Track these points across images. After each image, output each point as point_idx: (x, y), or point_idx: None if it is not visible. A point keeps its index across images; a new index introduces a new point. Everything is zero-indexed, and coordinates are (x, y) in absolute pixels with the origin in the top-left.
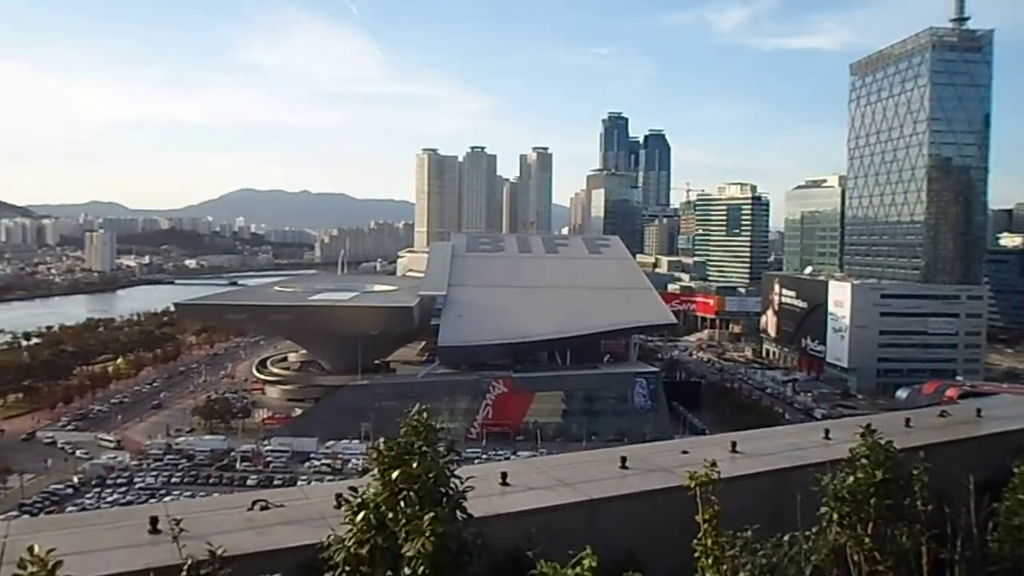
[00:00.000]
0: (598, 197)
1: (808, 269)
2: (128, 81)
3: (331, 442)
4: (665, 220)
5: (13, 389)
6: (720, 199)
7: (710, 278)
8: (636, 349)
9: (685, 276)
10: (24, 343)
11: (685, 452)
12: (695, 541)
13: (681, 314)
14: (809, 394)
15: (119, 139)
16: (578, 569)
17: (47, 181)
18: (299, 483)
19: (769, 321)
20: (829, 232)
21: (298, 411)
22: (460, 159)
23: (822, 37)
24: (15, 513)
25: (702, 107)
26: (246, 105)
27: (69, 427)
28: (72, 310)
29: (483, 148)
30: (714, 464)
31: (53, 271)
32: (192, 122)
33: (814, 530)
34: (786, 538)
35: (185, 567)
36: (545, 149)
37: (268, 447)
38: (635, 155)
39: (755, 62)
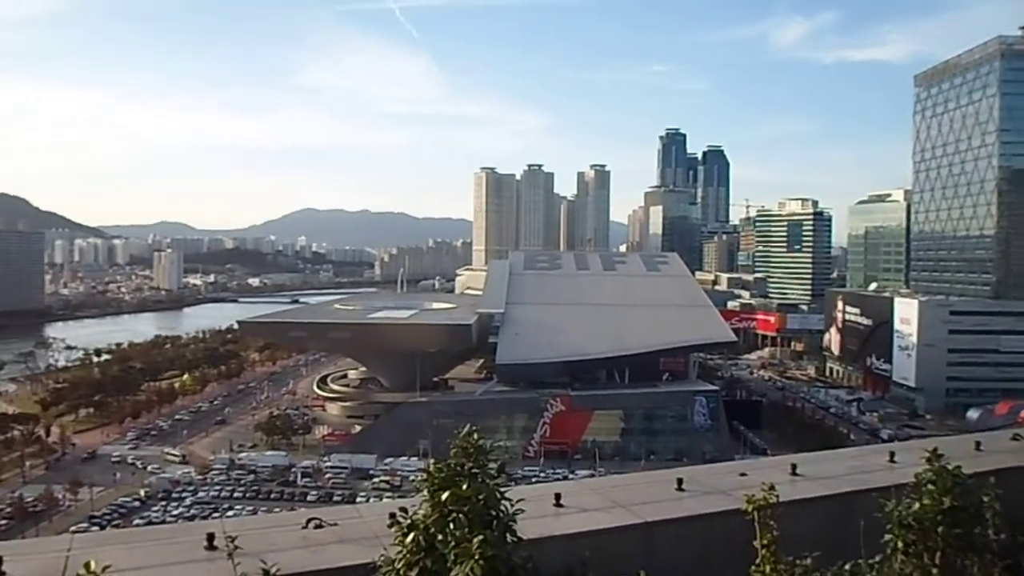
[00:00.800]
0: (656, 214)
1: (873, 286)
2: (196, 106)
3: (390, 459)
4: (724, 237)
5: (84, 404)
6: (780, 215)
7: (771, 295)
8: (696, 367)
9: (745, 293)
10: (95, 359)
11: (743, 474)
12: (753, 568)
13: (741, 332)
14: (875, 414)
15: (186, 162)
16: None
17: (118, 203)
18: (358, 499)
19: (832, 339)
20: (894, 247)
21: (357, 428)
22: (518, 177)
23: (886, 48)
24: (85, 525)
25: (761, 122)
26: (307, 127)
27: (137, 442)
28: (141, 327)
29: (540, 166)
30: (772, 487)
31: (123, 290)
32: (256, 144)
33: (878, 559)
34: (848, 567)
35: None
36: (602, 166)
37: (328, 463)
38: (693, 171)
39: (816, 75)
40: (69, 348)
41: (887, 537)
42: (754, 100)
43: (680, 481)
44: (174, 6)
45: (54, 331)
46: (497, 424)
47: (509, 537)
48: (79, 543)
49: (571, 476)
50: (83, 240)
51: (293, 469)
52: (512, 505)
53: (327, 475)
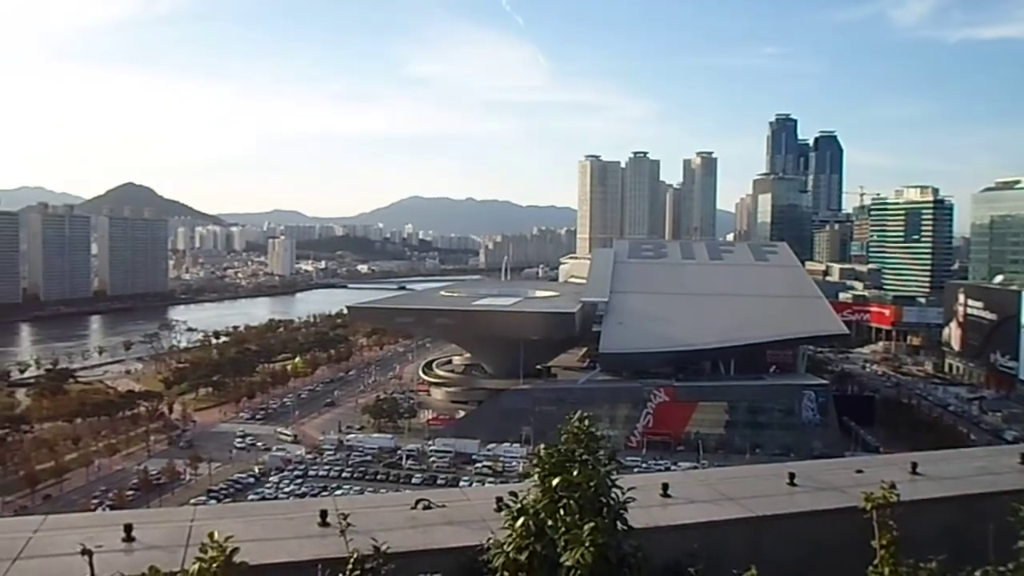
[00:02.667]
0: (765, 202)
1: (999, 278)
2: (308, 97)
3: (492, 445)
4: (837, 226)
5: (204, 383)
6: (898, 203)
7: (886, 287)
8: (804, 360)
9: (858, 284)
10: (214, 341)
11: (859, 471)
12: (870, 568)
13: (854, 324)
14: (998, 414)
15: (299, 152)
16: None
17: (235, 191)
18: (461, 483)
19: (952, 333)
20: (1023, 238)
21: (461, 413)
22: (623, 165)
23: (1017, 25)
24: (203, 498)
25: (878, 106)
26: (415, 116)
27: (251, 421)
28: (256, 311)
29: (646, 153)
30: (893, 486)
31: (240, 275)
32: (365, 134)
33: (1010, 566)
34: (977, 573)
35: (351, 560)
36: (709, 153)
37: (432, 447)
38: (804, 158)
39: (939, 56)
40: (190, 330)
41: (1021, 543)
42: (871, 83)
43: (792, 476)
44: (290, 2)
45: (176, 314)
46: (599, 413)
47: (619, 525)
48: (201, 514)
49: (674, 467)
50: (203, 228)
51: (398, 451)
52: (623, 493)
53: (431, 458)
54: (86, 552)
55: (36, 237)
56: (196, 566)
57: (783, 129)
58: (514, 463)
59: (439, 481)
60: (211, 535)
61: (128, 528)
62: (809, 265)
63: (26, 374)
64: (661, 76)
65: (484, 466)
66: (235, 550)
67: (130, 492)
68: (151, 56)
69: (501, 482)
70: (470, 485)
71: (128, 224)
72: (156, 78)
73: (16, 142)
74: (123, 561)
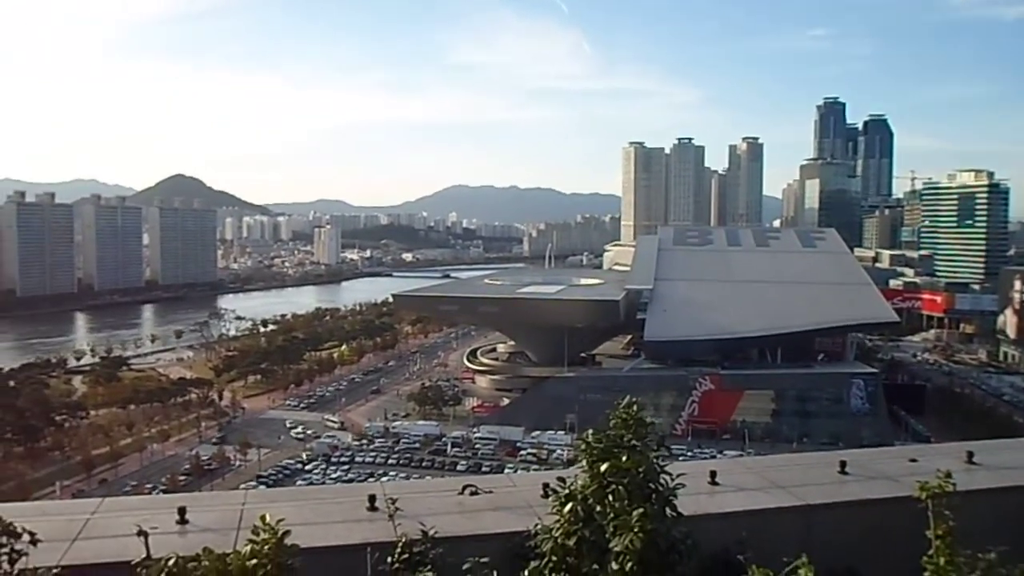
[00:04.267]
0: (812, 188)
1: None
2: (353, 87)
3: (537, 432)
4: (887, 211)
5: (252, 371)
6: (950, 187)
7: (938, 273)
8: (853, 348)
9: (909, 271)
10: (262, 329)
11: (913, 460)
12: (925, 559)
13: (904, 312)
14: None
15: (344, 141)
16: None
17: (282, 182)
18: (506, 471)
19: (1008, 321)
20: None
21: (506, 401)
22: (667, 151)
23: None
24: (253, 483)
25: (930, 88)
26: (458, 105)
27: (299, 408)
28: (302, 300)
29: (690, 139)
30: (948, 475)
31: (286, 264)
32: (409, 123)
33: None
34: None
35: (399, 544)
36: (755, 139)
37: (477, 434)
38: (853, 142)
39: (994, 34)
40: (239, 319)
41: None
42: (922, 64)
43: (843, 464)
44: None
45: (225, 303)
46: (644, 401)
47: (669, 512)
48: (252, 498)
49: (719, 456)
50: (250, 217)
51: (444, 439)
52: (672, 479)
53: (476, 446)
54: (142, 533)
55: (90, 228)
56: (249, 548)
57: (831, 113)
58: (559, 451)
59: (484, 468)
60: (263, 518)
61: (182, 511)
62: (858, 251)
63: (82, 362)
64: (706, 61)
65: (529, 453)
66: (286, 532)
67: (182, 477)
68: (200, 49)
69: (546, 469)
70: (515, 472)
71: (178, 215)
72: (205, 71)
73: (71, 136)
74: (177, 542)
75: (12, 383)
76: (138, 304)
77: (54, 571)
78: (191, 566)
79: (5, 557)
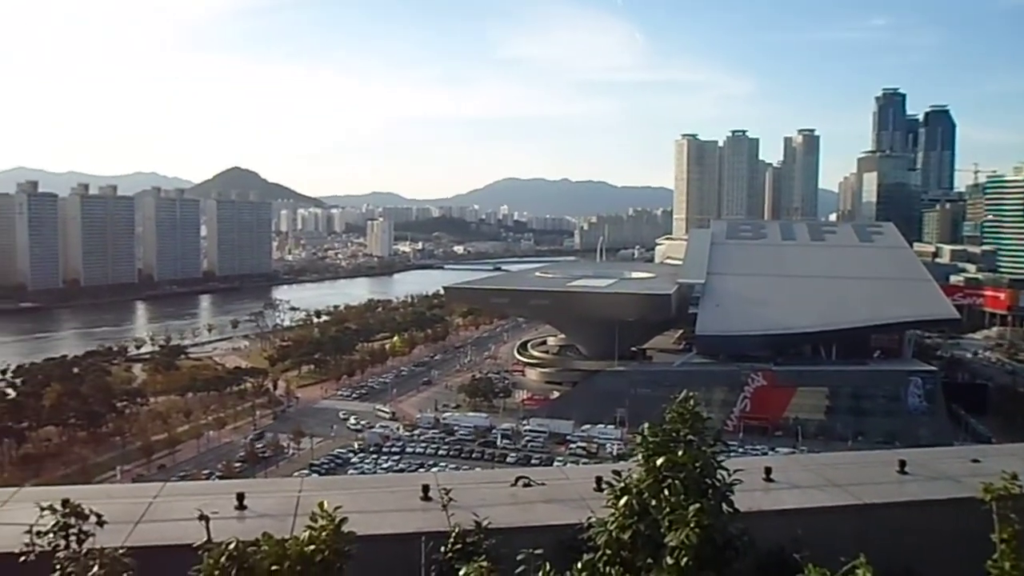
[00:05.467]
0: (870, 181)
1: None
2: (406, 81)
3: (587, 426)
4: (948, 205)
5: (306, 361)
6: (1016, 180)
7: (1001, 269)
8: (911, 346)
9: (971, 267)
10: (315, 320)
11: (976, 461)
12: (989, 563)
13: (965, 309)
14: None
15: (397, 134)
16: None
17: (335, 174)
18: (555, 464)
19: None
20: None
21: (556, 394)
22: (720, 144)
23: None
24: (306, 472)
25: (996, 78)
26: (510, 98)
27: (351, 398)
28: (355, 291)
29: (744, 132)
30: (1015, 476)
31: (339, 256)
32: (461, 116)
33: None
34: None
35: (453, 534)
36: (811, 131)
37: (527, 427)
38: (913, 134)
39: None
40: (293, 309)
41: None
42: (988, 53)
43: (903, 463)
44: None
45: (280, 293)
46: (695, 397)
47: (725, 507)
48: (308, 486)
49: (771, 453)
50: (305, 210)
51: (493, 431)
52: (729, 475)
53: (525, 438)
54: (203, 518)
55: (150, 220)
56: (307, 534)
57: (890, 104)
58: (608, 445)
59: (533, 461)
60: (321, 505)
61: (240, 497)
62: (917, 246)
63: (142, 350)
64: (762, 52)
65: (578, 447)
66: (344, 520)
67: (237, 464)
68: (258, 44)
69: (596, 463)
70: (564, 465)
71: (235, 207)
72: (262, 65)
73: (132, 130)
74: (236, 527)
75: (76, 370)
76: (195, 294)
77: (120, 552)
78: (251, 550)
79: (73, 537)
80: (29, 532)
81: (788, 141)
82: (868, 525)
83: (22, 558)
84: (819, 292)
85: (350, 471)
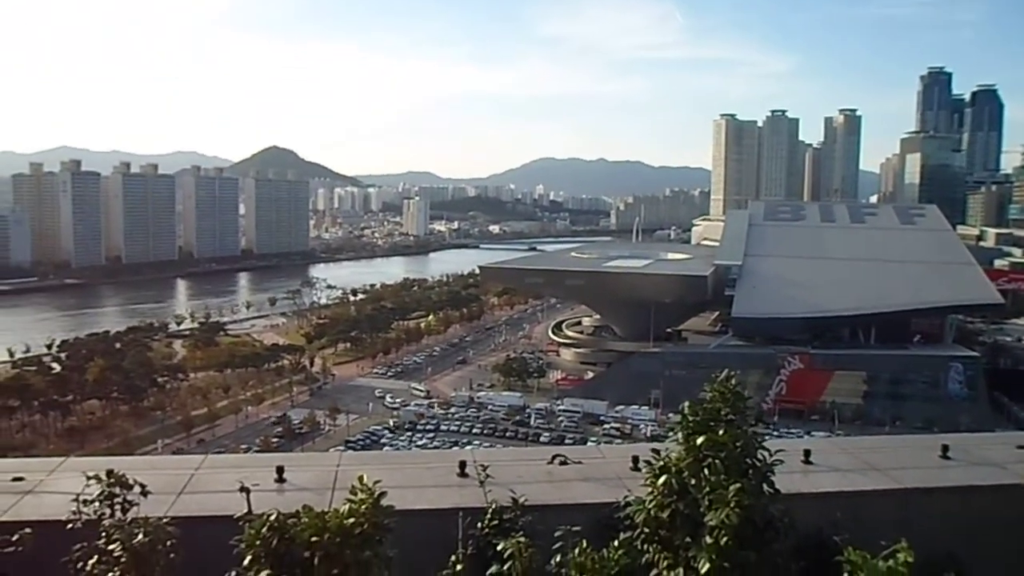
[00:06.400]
0: (913, 162)
1: None
2: (441, 60)
3: (621, 406)
4: (994, 187)
5: (342, 339)
6: None
7: None
8: (952, 331)
9: (1017, 251)
10: (352, 299)
11: (1021, 447)
12: None
13: (1010, 294)
14: None
15: (434, 114)
16: (891, 562)
17: (372, 153)
18: (589, 444)
19: None
20: None
21: (590, 374)
22: (759, 124)
23: None
24: (341, 448)
25: None
26: (547, 77)
27: (387, 376)
28: (391, 270)
29: (784, 112)
30: None
31: (376, 235)
32: (498, 96)
33: None
34: None
35: (490, 510)
36: (853, 111)
37: (561, 407)
38: (959, 115)
39: None
40: (330, 287)
41: None
42: None
43: (945, 448)
44: None
45: (317, 272)
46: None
47: (766, 488)
48: (346, 460)
49: (806, 437)
50: (342, 189)
51: (527, 410)
52: (770, 455)
53: (559, 418)
54: (244, 490)
55: (190, 199)
56: (346, 507)
57: (935, 83)
58: (642, 426)
59: (567, 440)
60: (360, 479)
61: (280, 470)
62: (961, 229)
63: (182, 326)
64: (803, 29)
65: (612, 427)
66: (383, 494)
67: (275, 439)
68: (295, 23)
69: (630, 443)
70: (599, 445)
71: (272, 186)
72: (299, 45)
73: (173, 109)
74: (276, 500)
75: (119, 345)
76: (234, 272)
77: (163, 521)
78: (291, 522)
79: (118, 506)
80: (76, 500)
81: (829, 121)
82: (909, 510)
83: (69, 525)
84: (858, 275)
85: (385, 448)
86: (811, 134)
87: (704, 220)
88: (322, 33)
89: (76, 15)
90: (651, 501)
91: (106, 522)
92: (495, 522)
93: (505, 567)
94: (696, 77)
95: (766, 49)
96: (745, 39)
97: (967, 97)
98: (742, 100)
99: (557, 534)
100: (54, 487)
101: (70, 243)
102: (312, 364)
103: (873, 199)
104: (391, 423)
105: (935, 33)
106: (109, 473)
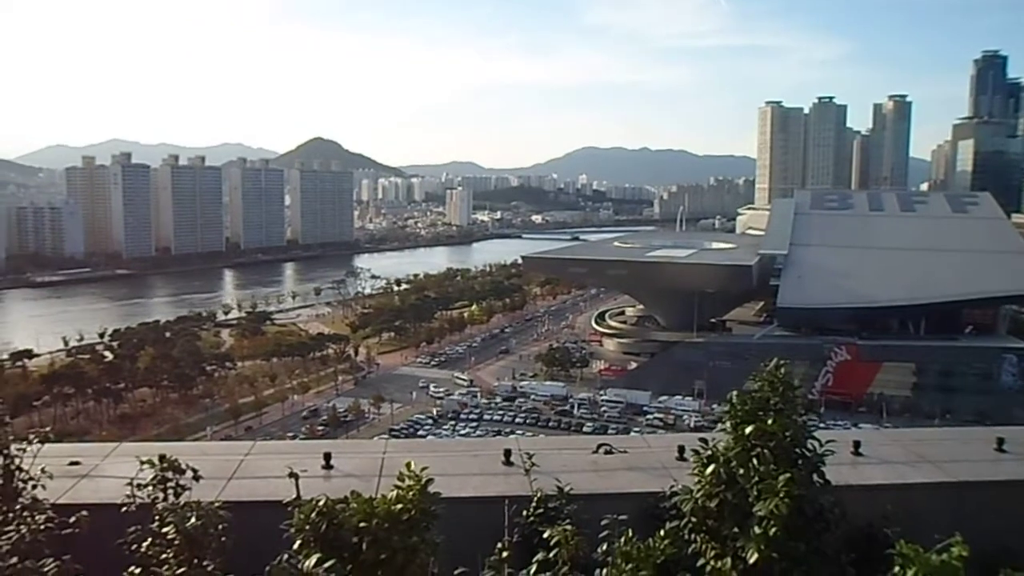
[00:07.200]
0: (965, 149)
1: None
2: (485, 49)
3: (664, 397)
4: None
5: (386, 328)
6: None
7: None
8: (1006, 322)
9: None
10: (395, 288)
11: None
12: None
13: None
14: None
15: (476, 104)
16: (945, 556)
17: (415, 144)
18: (632, 434)
19: None
20: None
21: (633, 364)
22: (806, 111)
23: None
24: (385, 437)
25: None
26: (590, 67)
27: (430, 365)
28: (434, 260)
29: (831, 98)
30: None
31: (419, 225)
32: (541, 85)
33: None
34: None
35: (535, 498)
36: (903, 97)
37: (604, 397)
38: (1015, 99)
39: None
40: (374, 277)
41: None
42: None
43: (1000, 441)
44: None
45: (361, 262)
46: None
47: (816, 478)
48: (392, 447)
49: (853, 430)
50: (385, 179)
51: (570, 400)
52: (821, 445)
53: (602, 408)
54: (293, 475)
55: (236, 190)
56: (394, 493)
57: (990, 67)
58: (686, 417)
59: (610, 431)
60: (408, 465)
61: (327, 456)
62: (1016, 218)
63: (229, 316)
64: (851, 13)
65: (655, 418)
66: (430, 480)
67: (320, 427)
68: (340, 14)
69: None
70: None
71: (317, 177)
72: (342, 35)
73: (219, 102)
74: (323, 486)
75: (168, 334)
76: (280, 262)
77: (215, 505)
78: (339, 508)
79: (171, 490)
80: (130, 484)
81: (878, 108)
82: (963, 504)
83: (124, 508)
84: (908, 264)
85: (428, 437)
86: (859, 121)
87: (749, 209)
88: (366, 23)
89: (125, 10)
90: (699, 490)
91: (160, 505)
92: (540, 510)
93: (552, 554)
94: (741, 64)
95: (813, 35)
96: (791, 25)
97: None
98: (788, 87)
99: (604, 522)
100: (109, 471)
101: (121, 234)
102: (356, 353)
103: (924, 187)
104: (434, 412)
105: (989, 16)
106: (162, 458)
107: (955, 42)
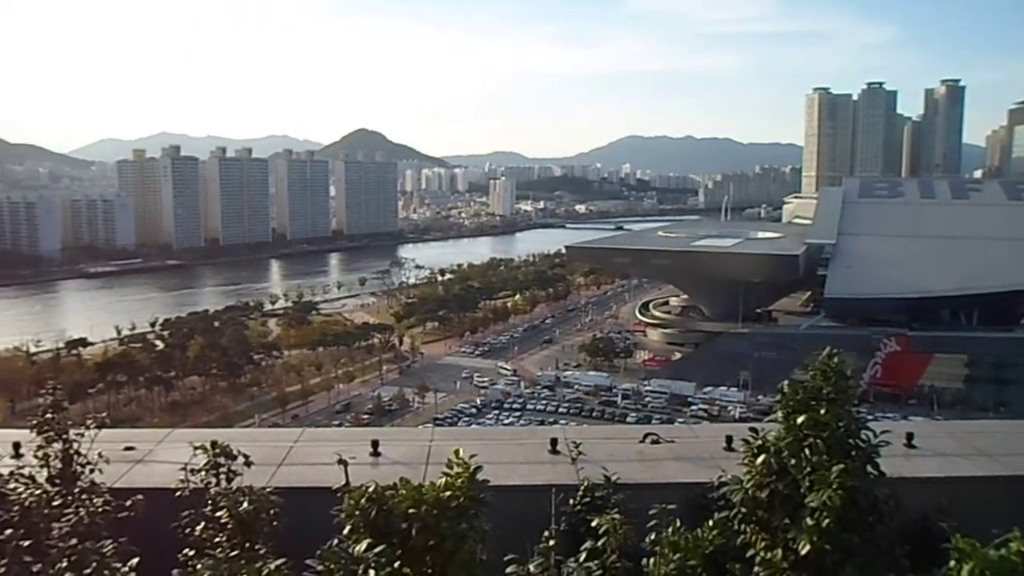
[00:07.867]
0: (1021, 134)
1: None
2: (527, 38)
3: (709, 388)
4: None
5: (430, 318)
6: None
7: None
8: None
9: None
10: (439, 278)
11: None
12: None
13: None
14: None
15: (519, 93)
16: (1003, 551)
17: (458, 134)
18: (676, 424)
19: None
20: None
21: (678, 355)
22: (854, 97)
23: None
24: (430, 426)
25: None
26: (633, 54)
27: (474, 355)
28: (477, 250)
29: (881, 84)
30: None
31: (463, 215)
32: (584, 74)
33: None
34: None
35: (582, 487)
36: (956, 81)
37: (648, 387)
38: None
39: None
40: (418, 267)
41: None
42: None
43: None
44: None
45: (405, 252)
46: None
47: (870, 469)
48: (438, 436)
49: (903, 421)
50: (429, 170)
51: (614, 390)
52: (875, 436)
53: (646, 399)
54: (342, 462)
55: (282, 181)
56: (443, 480)
57: None
58: (731, 408)
59: (654, 421)
60: (456, 452)
61: (375, 444)
62: None
63: (276, 305)
64: None
65: (700, 409)
66: (478, 468)
67: (365, 416)
68: (383, 5)
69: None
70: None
71: (361, 168)
72: (386, 24)
73: (265, 95)
74: (371, 473)
75: (217, 324)
76: (325, 253)
77: (267, 490)
78: (388, 494)
79: (223, 475)
80: (184, 469)
81: (929, 93)
82: (1021, 498)
83: (177, 493)
84: (961, 254)
85: (472, 425)
86: (910, 107)
87: (796, 198)
88: (409, 13)
89: (175, 5)
90: (749, 481)
91: (213, 490)
92: (587, 499)
93: (600, 543)
94: (786, 50)
95: (862, 18)
96: (840, 9)
97: None
98: (836, 74)
99: (652, 512)
100: (162, 456)
101: (171, 226)
102: (401, 343)
103: (978, 174)
104: (478, 401)
105: None
106: (214, 444)
107: (1011, 25)
